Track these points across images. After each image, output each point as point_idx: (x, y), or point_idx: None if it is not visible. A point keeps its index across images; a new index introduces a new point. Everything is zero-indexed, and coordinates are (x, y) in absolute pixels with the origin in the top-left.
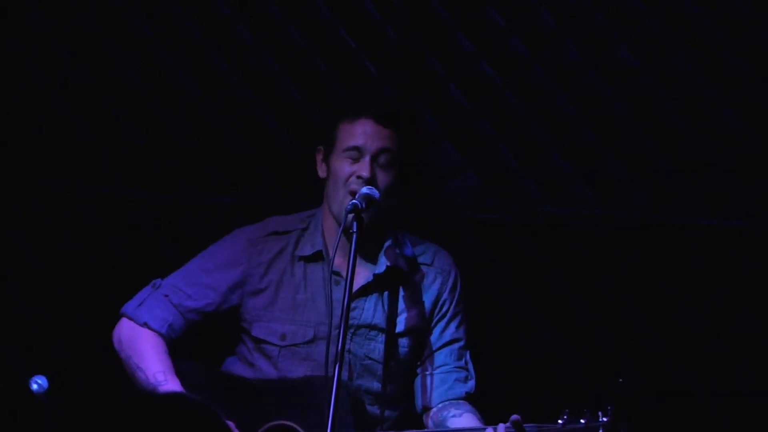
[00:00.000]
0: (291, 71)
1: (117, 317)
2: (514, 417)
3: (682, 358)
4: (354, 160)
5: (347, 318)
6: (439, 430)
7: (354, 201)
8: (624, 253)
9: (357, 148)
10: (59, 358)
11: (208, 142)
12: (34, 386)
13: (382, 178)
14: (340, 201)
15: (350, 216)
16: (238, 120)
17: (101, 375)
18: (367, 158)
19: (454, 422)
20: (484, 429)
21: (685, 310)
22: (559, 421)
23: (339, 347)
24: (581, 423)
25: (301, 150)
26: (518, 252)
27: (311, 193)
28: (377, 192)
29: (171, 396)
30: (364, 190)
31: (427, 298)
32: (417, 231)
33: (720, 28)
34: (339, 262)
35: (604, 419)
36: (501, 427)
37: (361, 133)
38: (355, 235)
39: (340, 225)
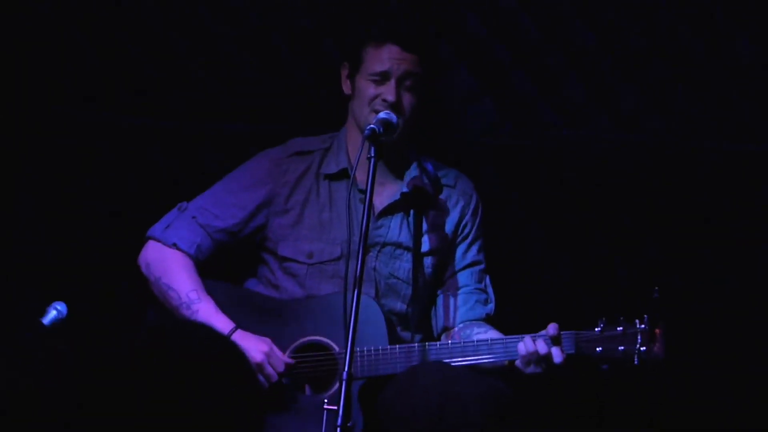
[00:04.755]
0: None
1: (134, 243)
2: (552, 325)
3: (700, 285)
4: (379, 83)
5: (366, 240)
6: (475, 338)
7: (372, 126)
8: (641, 178)
9: (383, 73)
10: (77, 286)
11: (221, 70)
12: (54, 312)
13: (407, 101)
14: (365, 118)
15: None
16: (251, 48)
17: (120, 304)
18: (392, 82)
19: (481, 338)
20: (522, 337)
21: (702, 237)
22: (596, 329)
23: (358, 269)
24: (618, 330)
25: (314, 77)
26: (534, 177)
27: (325, 120)
28: (395, 116)
29: (188, 324)
30: (382, 115)
31: (450, 220)
32: (434, 157)
33: None
34: (363, 179)
35: (642, 326)
36: (539, 335)
37: (387, 58)
38: (372, 160)
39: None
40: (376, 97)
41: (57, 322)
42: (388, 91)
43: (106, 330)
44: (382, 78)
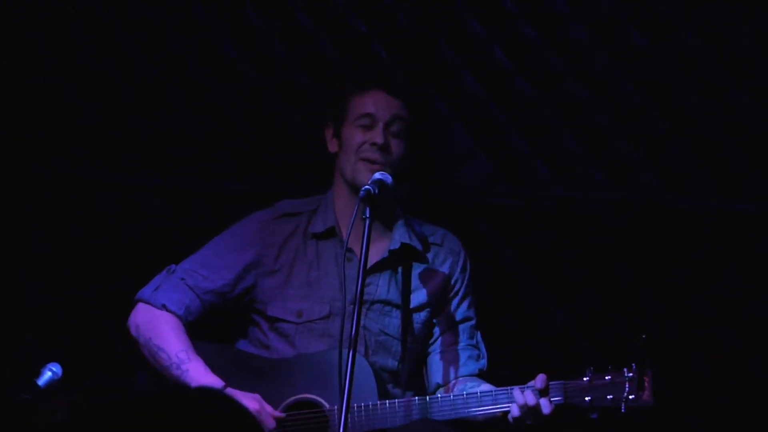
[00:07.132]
0: (301, 57)
1: (129, 303)
2: (540, 376)
3: (693, 340)
4: (366, 128)
5: (362, 297)
6: (465, 392)
7: (367, 186)
8: (635, 236)
9: (369, 115)
10: (72, 345)
11: (217, 129)
12: (48, 373)
13: (395, 146)
14: (352, 167)
15: (365, 199)
16: (248, 106)
17: (114, 362)
18: (380, 125)
19: (471, 392)
20: (512, 389)
21: (696, 293)
22: (585, 378)
23: (353, 328)
24: (606, 379)
25: (311, 136)
26: (530, 236)
27: (320, 179)
28: (390, 177)
29: (200, 390)
30: (377, 175)
31: (439, 277)
32: (429, 216)
33: (732, 11)
34: (351, 238)
35: (630, 374)
36: (527, 386)
37: (372, 102)
38: (368, 221)
39: (354, 193)
40: (363, 143)
41: (52, 384)
42: (376, 135)
43: (102, 387)
44: (370, 122)
